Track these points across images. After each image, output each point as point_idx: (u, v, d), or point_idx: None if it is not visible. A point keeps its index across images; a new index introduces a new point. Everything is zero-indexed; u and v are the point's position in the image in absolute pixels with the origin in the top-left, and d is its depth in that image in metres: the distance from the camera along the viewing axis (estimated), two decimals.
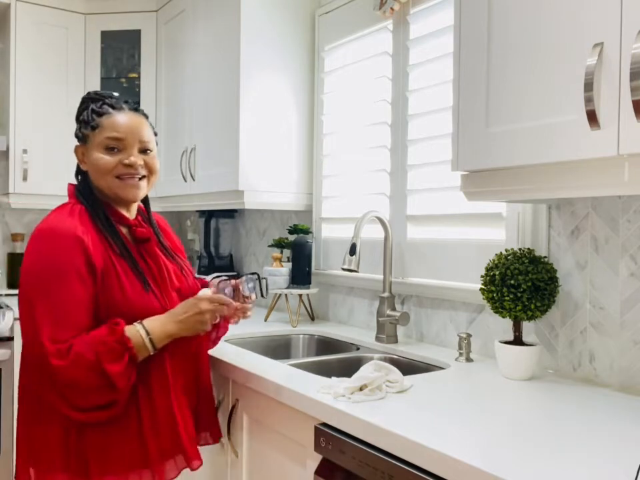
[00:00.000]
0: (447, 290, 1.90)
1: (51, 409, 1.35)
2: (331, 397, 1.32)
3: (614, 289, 1.48)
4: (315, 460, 1.33)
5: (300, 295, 2.36)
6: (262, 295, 1.62)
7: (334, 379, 1.42)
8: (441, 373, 1.62)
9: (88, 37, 3.17)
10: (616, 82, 1.06)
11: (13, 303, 2.63)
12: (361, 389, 1.33)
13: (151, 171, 1.51)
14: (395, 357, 1.88)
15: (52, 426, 1.36)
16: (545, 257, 1.57)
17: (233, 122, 2.40)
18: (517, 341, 1.56)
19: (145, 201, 1.60)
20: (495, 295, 1.52)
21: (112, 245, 1.42)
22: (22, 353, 1.41)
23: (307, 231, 2.45)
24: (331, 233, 2.46)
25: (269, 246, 2.58)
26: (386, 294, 1.99)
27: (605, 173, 1.12)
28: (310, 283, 2.40)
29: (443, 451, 1.02)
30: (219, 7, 2.53)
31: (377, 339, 1.98)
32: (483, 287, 1.56)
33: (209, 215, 3.01)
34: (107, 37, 3.17)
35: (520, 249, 1.57)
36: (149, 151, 1.50)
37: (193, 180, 2.71)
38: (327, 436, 1.28)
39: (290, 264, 2.41)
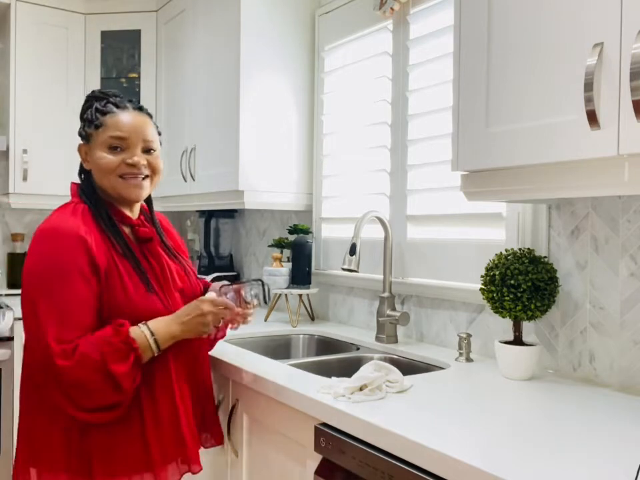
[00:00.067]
0: (447, 290, 1.90)
1: (54, 408, 1.35)
2: (331, 397, 1.32)
3: (614, 289, 1.48)
4: (315, 460, 1.33)
5: (300, 295, 2.35)
6: (265, 302, 1.61)
7: (334, 379, 1.42)
8: (441, 373, 1.62)
9: (88, 36, 3.17)
10: (616, 82, 1.06)
11: (13, 303, 2.62)
12: (361, 389, 1.33)
13: (154, 170, 1.50)
14: (395, 356, 1.88)
15: (54, 426, 1.36)
16: (545, 257, 1.57)
17: (233, 122, 2.40)
18: (517, 341, 1.56)
19: (148, 200, 1.60)
20: (494, 295, 1.52)
21: (114, 244, 1.42)
22: (24, 353, 1.41)
23: (307, 231, 2.45)
24: (331, 233, 2.46)
25: (269, 246, 2.58)
26: (386, 294, 1.99)
27: (604, 173, 1.12)
28: (310, 283, 2.40)
29: (442, 451, 1.02)
30: (218, 6, 2.53)
31: (377, 339, 1.98)
32: (482, 286, 1.56)
33: (208, 215, 3.01)
34: (107, 36, 3.17)
35: (520, 249, 1.57)
36: (152, 151, 1.49)
37: (193, 180, 2.71)
38: (327, 436, 1.28)
39: (290, 264, 2.41)
